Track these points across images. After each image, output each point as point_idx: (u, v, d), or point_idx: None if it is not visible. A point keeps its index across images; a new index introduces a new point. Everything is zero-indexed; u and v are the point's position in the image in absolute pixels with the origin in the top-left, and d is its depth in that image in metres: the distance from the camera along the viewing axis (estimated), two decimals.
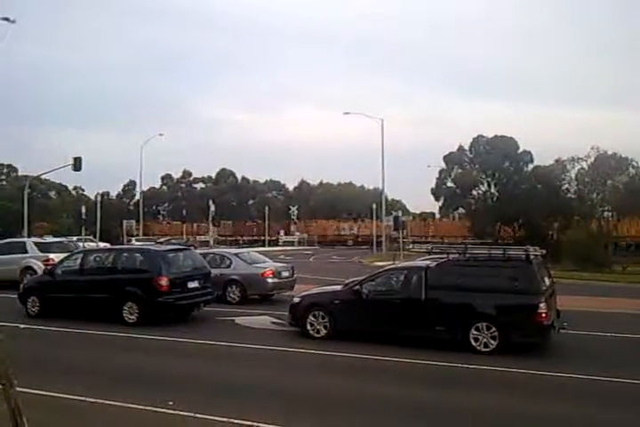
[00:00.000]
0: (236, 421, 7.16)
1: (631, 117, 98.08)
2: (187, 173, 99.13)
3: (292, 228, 72.57)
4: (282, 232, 72.30)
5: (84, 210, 47.11)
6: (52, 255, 21.44)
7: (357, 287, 12.45)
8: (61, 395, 8.16)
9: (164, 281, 13.80)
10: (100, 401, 7.89)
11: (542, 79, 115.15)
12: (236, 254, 19.31)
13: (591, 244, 35.51)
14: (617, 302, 19.08)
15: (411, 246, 18.07)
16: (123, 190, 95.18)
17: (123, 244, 50.16)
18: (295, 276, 19.33)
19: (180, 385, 8.95)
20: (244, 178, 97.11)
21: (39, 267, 20.15)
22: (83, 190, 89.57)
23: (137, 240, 50.51)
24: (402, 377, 9.84)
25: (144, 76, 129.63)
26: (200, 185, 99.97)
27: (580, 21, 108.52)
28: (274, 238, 70.78)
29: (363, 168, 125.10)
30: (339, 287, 13.40)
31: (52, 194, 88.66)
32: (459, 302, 11.40)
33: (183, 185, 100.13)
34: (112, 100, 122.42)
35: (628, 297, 20.53)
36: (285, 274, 18.77)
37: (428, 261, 12.72)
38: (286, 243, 70.10)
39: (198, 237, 69.12)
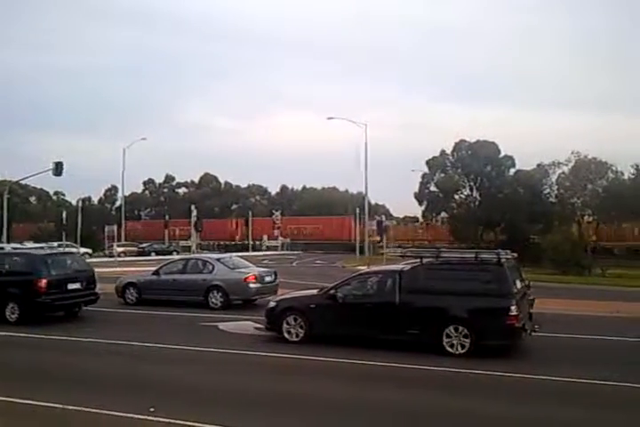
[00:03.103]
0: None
1: (611, 122, 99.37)
2: (169, 178, 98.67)
3: (276, 232, 72.29)
4: (265, 237, 72.01)
5: (64, 215, 46.69)
6: None
7: (332, 291, 12.55)
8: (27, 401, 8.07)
9: (42, 283, 14.86)
10: (78, 408, 7.80)
11: (524, 84, 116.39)
12: (218, 259, 19.27)
13: (571, 247, 35.86)
14: (592, 305, 19.23)
15: (387, 251, 18.31)
16: (104, 195, 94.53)
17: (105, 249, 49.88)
18: (278, 280, 19.32)
19: (162, 392, 8.89)
20: (226, 183, 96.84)
21: None
22: (64, 195, 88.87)
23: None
24: (376, 380, 9.89)
25: (126, 82, 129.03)
26: (183, 190, 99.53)
27: (563, 27, 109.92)
28: (257, 243, 70.51)
29: (346, 173, 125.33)
30: (314, 291, 13.46)
31: (33, 199, 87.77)
32: (432, 305, 11.52)
33: (165, 190, 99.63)
34: (94, 105, 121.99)
35: (603, 300, 20.73)
36: (268, 279, 18.75)
37: (402, 265, 12.82)
38: (270, 247, 69.90)
39: (181, 243, 68.63)
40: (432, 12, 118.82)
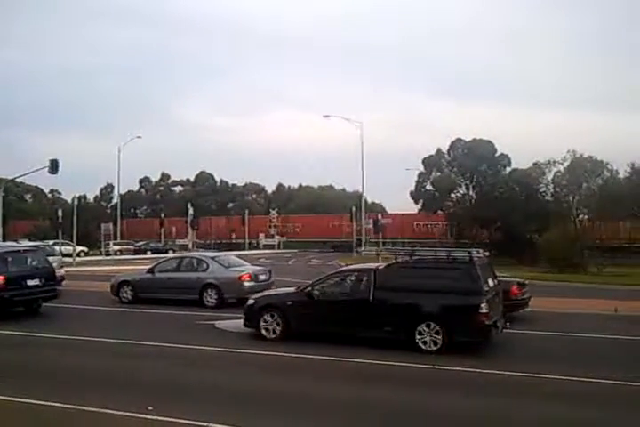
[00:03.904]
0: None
1: (607, 121, 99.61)
2: (165, 176, 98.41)
3: (272, 231, 72.23)
4: (261, 235, 71.96)
5: (60, 213, 46.47)
6: None
7: (309, 289, 12.74)
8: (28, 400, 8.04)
9: (0, 279, 15.24)
10: (77, 407, 7.77)
11: (520, 84, 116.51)
12: (213, 258, 19.26)
13: (567, 246, 35.87)
14: (582, 303, 19.27)
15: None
16: (100, 193, 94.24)
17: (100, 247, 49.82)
18: (273, 279, 19.31)
19: (160, 391, 8.86)
20: (222, 181, 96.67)
21: None
22: (59, 194, 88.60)
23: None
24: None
25: (122, 80, 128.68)
26: (179, 188, 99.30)
27: (559, 26, 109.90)
28: (254, 241, 70.47)
29: (343, 171, 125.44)
30: (292, 289, 13.61)
31: (28, 197, 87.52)
32: (405, 302, 11.67)
33: (162, 188, 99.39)
34: (90, 103, 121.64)
35: (597, 298, 20.69)
36: (263, 277, 18.74)
37: (379, 264, 13.01)
38: (266, 246, 69.86)
39: (178, 241, 68.54)
40: (430, 13, 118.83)
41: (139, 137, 61.53)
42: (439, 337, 11.28)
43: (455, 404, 8.38)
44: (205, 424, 7.21)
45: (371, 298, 11.88)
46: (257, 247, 68.42)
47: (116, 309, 17.96)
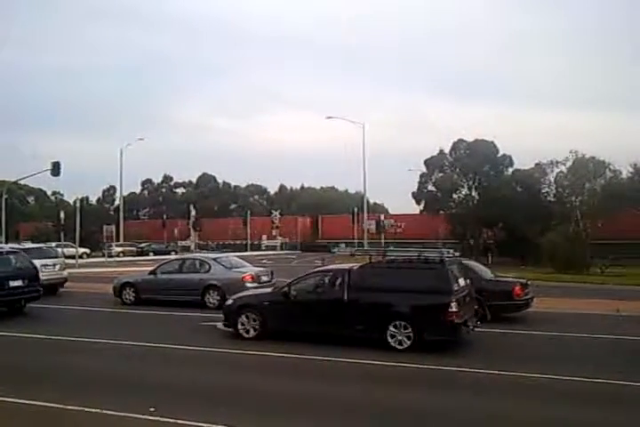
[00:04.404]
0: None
1: (609, 121, 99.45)
2: (167, 178, 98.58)
3: (274, 232, 72.25)
4: (264, 237, 72.00)
5: (62, 215, 46.53)
6: None
7: (286, 289, 12.95)
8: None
9: None
10: (79, 408, 7.78)
11: (522, 84, 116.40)
12: (215, 259, 19.25)
13: (570, 246, 35.87)
14: (584, 303, 19.21)
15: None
16: (102, 195, 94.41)
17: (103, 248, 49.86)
18: (275, 280, 19.29)
19: (163, 392, 8.85)
20: (225, 182, 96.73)
21: None
22: (62, 196, 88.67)
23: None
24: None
25: (123, 82, 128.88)
26: (181, 190, 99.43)
27: (561, 26, 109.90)
28: (256, 243, 70.51)
29: (345, 172, 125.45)
30: (270, 289, 13.80)
31: (31, 199, 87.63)
32: (377, 302, 11.90)
33: (164, 190, 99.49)
34: (91, 105, 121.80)
35: (599, 298, 20.67)
36: (265, 278, 18.73)
37: (354, 264, 13.25)
38: (269, 247, 69.86)
39: (180, 242, 68.60)
40: (430, 13, 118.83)
41: (141, 139, 61.71)
42: (409, 335, 11.51)
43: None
44: (207, 426, 7.21)
45: (345, 298, 12.11)
46: (260, 248, 68.43)
47: (119, 310, 17.98)
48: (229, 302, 13.65)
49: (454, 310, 11.25)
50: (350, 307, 12.02)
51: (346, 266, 13.19)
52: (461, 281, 12.31)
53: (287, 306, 12.76)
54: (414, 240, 61.43)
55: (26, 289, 16.55)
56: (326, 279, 12.94)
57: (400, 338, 11.56)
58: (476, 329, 12.38)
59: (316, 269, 14.49)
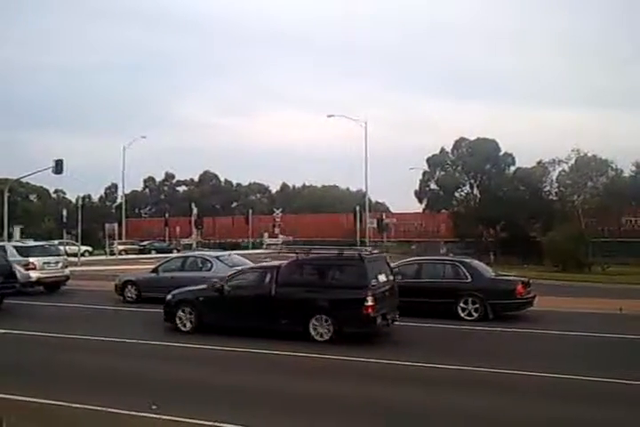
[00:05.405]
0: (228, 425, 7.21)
1: (611, 120, 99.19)
2: (169, 176, 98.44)
3: (276, 230, 72.19)
4: (266, 235, 71.95)
5: (64, 213, 46.61)
6: (32, 259, 21.24)
7: (220, 285, 13.54)
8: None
9: None
10: (81, 406, 7.79)
11: (524, 82, 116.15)
12: (217, 257, 19.26)
13: (571, 245, 35.86)
14: (586, 302, 19.14)
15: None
16: (104, 193, 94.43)
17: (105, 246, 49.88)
18: None
19: (166, 390, 8.85)
20: (227, 181, 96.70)
21: (20, 272, 19.75)
22: (64, 194, 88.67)
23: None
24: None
25: (125, 79, 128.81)
26: (183, 188, 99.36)
27: (562, 25, 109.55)
28: (258, 241, 70.47)
29: (347, 171, 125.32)
30: (205, 286, 14.30)
31: (33, 197, 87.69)
32: (301, 297, 12.58)
33: (166, 188, 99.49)
34: (93, 103, 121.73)
35: (601, 297, 20.63)
36: None
37: (283, 261, 13.86)
38: (270, 246, 69.80)
39: (182, 240, 68.57)
40: (431, 11, 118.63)
41: (143, 137, 61.49)
42: (330, 328, 12.15)
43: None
44: (211, 424, 7.22)
45: (272, 293, 12.74)
46: (261, 247, 68.37)
47: (121, 308, 18.02)
48: (169, 297, 14.18)
49: (370, 303, 11.87)
50: (277, 302, 12.67)
51: (277, 263, 13.85)
52: (382, 277, 12.92)
53: (221, 301, 13.36)
54: (414, 240, 61.69)
55: (2, 285, 17.19)
56: (258, 276, 13.57)
57: (321, 331, 12.21)
58: (477, 327, 12.47)
59: (249, 266, 15.25)
